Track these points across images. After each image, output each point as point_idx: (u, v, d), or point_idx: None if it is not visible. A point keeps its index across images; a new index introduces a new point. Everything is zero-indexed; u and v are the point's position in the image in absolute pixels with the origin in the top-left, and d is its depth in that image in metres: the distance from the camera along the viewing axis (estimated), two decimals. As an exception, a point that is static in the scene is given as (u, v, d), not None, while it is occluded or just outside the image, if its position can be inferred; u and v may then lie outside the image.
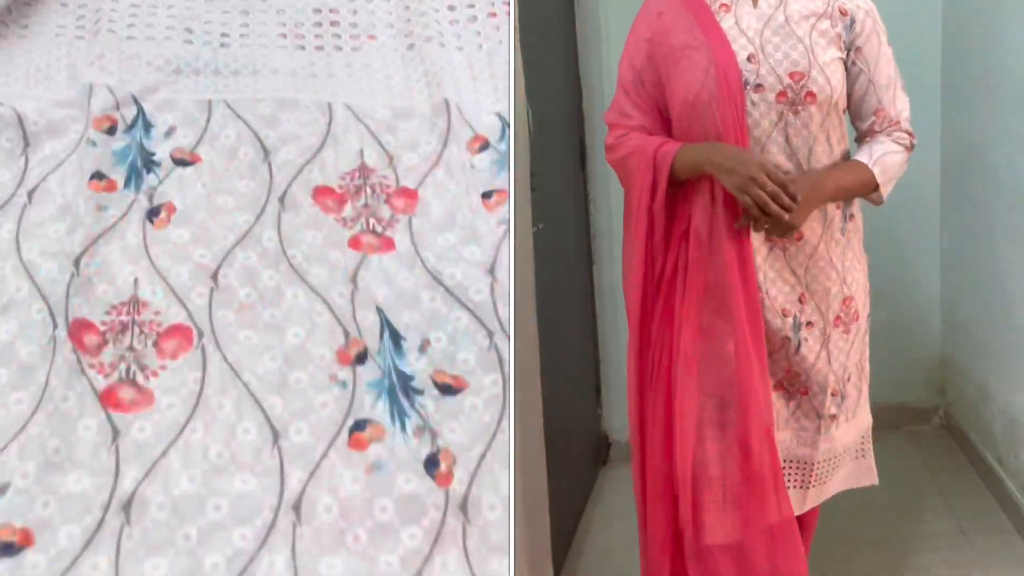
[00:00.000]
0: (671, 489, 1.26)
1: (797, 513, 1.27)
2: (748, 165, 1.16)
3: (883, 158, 1.23)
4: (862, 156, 1.24)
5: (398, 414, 1.05)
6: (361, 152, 1.32)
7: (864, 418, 1.34)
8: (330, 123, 1.36)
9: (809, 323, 1.25)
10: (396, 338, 1.11)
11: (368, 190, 1.28)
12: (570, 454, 1.98)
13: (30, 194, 1.24)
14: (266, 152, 1.31)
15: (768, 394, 1.23)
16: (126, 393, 1.06)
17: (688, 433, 1.22)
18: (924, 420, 2.43)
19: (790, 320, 1.24)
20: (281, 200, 1.25)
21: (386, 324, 1.13)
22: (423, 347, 1.11)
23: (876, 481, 1.36)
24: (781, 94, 1.20)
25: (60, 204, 1.23)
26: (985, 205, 2.14)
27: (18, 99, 1.35)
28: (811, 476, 1.28)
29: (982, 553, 1.85)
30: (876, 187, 1.23)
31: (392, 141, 1.34)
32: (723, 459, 1.23)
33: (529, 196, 1.52)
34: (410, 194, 1.28)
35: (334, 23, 1.52)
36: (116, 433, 1.02)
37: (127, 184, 1.25)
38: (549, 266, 1.73)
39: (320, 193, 1.27)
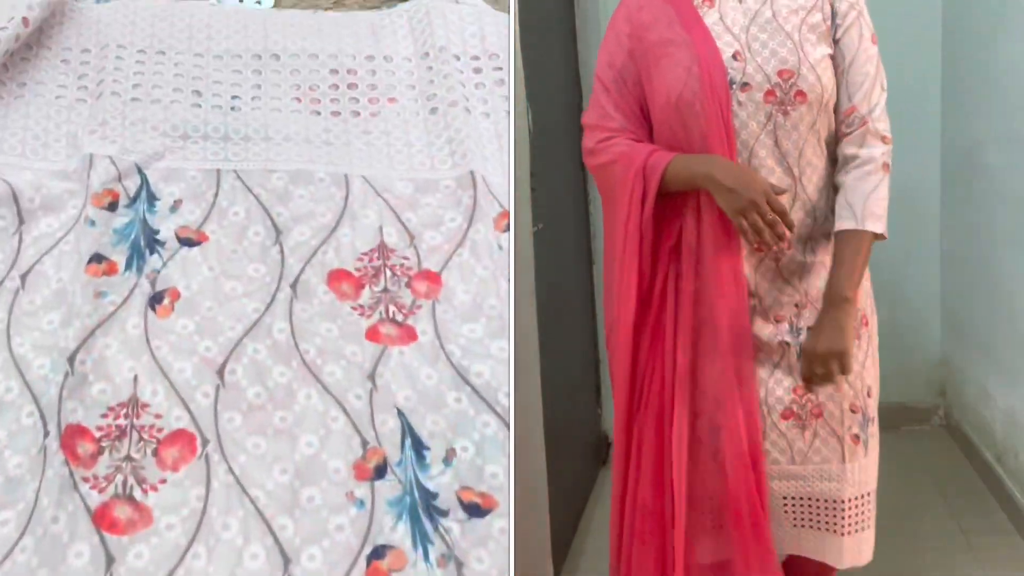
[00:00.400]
0: (661, 528, 1.19)
1: (832, 563, 1.20)
2: (751, 188, 1.10)
3: (868, 206, 1.14)
4: (846, 220, 1.15)
5: (420, 539, 0.96)
6: (380, 230, 1.23)
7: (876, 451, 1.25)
8: (347, 198, 1.26)
9: (811, 328, 1.16)
10: (418, 447, 1.02)
11: (387, 272, 1.19)
12: (570, 454, 1.99)
13: (23, 278, 1.15)
14: (278, 232, 1.22)
15: (752, 415, 1.15)
16: (122, 512, 0.96)
17: (683, 454, 1.16)
18: (924, 420, 2.46)
19: (785, 325, 1.17)
20: (293, 287, 1.16)
21: (408, 431, 1.04)
22: (448, 458, 1.02)
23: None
24: (769, 93, 1.13)
25: (55, 290, 1.14)
26: (985, 206, 2.14)
27: (13, 171, 1.25)
28: (843, 519, 1.18)
29: (982, 553, 1.87)
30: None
31: (413, 218, 1.25)
32: (710, 479, 1.16)
33: (529, 196, 1.48)
34: (433, 278, 1.19)
35: (352, 85, 1.42)
36: (110, 560, 0.93)
37: (128, 266, 1.16)
38: (549, 266, 1.73)
39: (335, 278, 1.18)
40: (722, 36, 1.16)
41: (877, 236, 1.16)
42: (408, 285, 1.18)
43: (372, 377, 1.09)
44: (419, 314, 1.14)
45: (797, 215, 1.16)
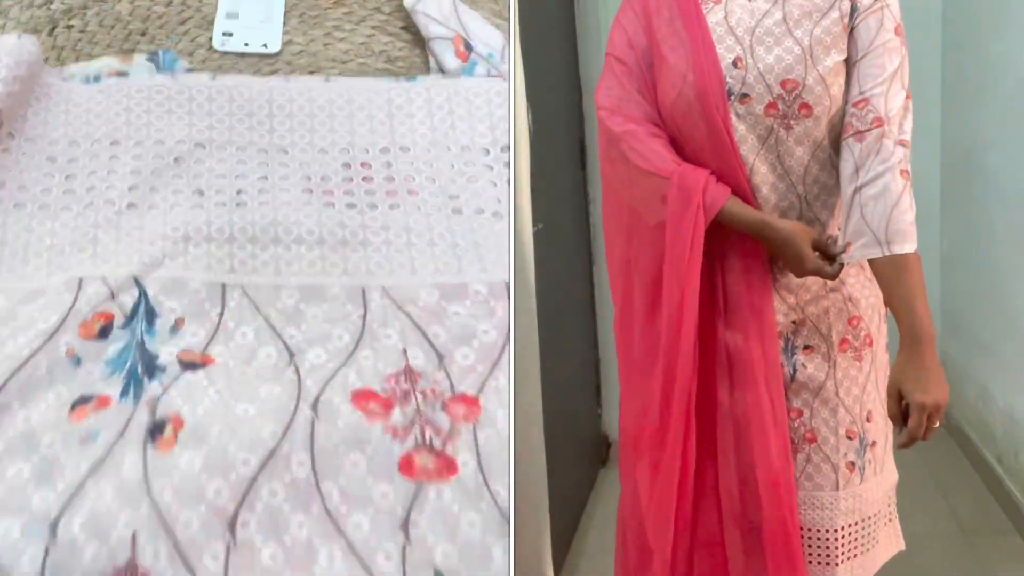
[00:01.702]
0: (724, 561, 1.14)
1: None
2: (805, 260, 1.07)
3: (891, 225, 1.03)
4: (869, 248, 1.05)
5: None
6: (404, 353, 1.08)
7: (891, 472, 1.18)
8: (365, 316, 1.12)
9: (807, 347, 1.09)
10: None
11: (418, 396, 1.05)
12: (570, 454, 2.00)
13: None
14: (291, 354, 1.09)
15: (784, 442, 1.09)
16: None
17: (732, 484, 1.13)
18: None
19: (781, 343, 1.09)
20: (314, 408, 1.02)
21: None
22: None
23: (903, 546, 1.22)
24: (771, 106, 1.04)
25: (22, 432, 0.98)
26: (985, 206, 2.14)
27: None
28: (836, 549, 1.12)
29: (982, 553, 1.89)
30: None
31: (441, 334, 1.10)
32: (745, 509, 1.11)
33: (529, 196, 1.44)
34: (470, 401, 1.05)
35: (367, 179, 1.27)
36: None
37: (124, 394, 1.02)
38: (549, 266, 1.74)
39: (361, 397, 1.04)
40: (724, 39, 1.07)
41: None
42: (443, 408, 1.04)
43: (405, 527, 0.94)
44: (459, 442, 1.01)
45: None
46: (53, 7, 1.43)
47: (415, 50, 1.46)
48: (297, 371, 1.06)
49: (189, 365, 1.07)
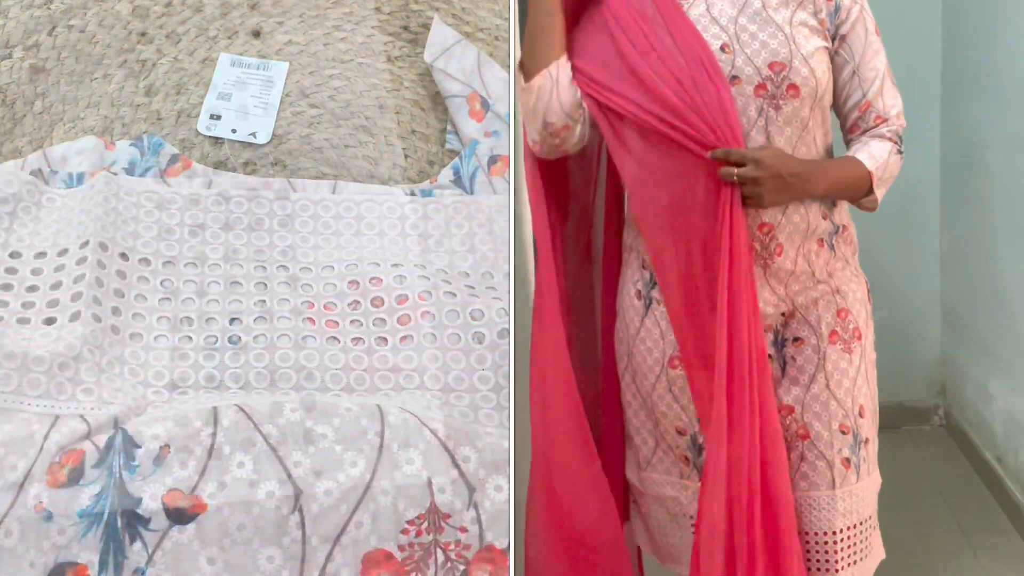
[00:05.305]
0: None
1: None
2: None
3: (877, 154, 1.13)
4: (854, 154, 1.14)
5: None
6: (429, 484, 0.95)
7: (878, 474, 1.20)
8: (382, 434, 0.98)
9: (797, 339, 1.13)
10: None
11: (438, 554, 0.92)
12: None
13: None
14: (296, 492, 0.95)
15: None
16: None
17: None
18: (924, 420, 2.48)
19: (769, 336, 1.13)
20: None
21: None
22: None
23: (884, 555, 1.21)
24: (760, 87, 1.08)
25: None
26: (985, 205, 2.14)
27: None
28: (836, 554, 1.12)
29: (982, 553, 1.88)
30: (871, 189, 1.12)
31: (472, 458, 0.98)
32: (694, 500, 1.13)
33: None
34: (499, 558, 0.94)
35: (376, 301, 1.18)
36: None
37: (103, 567, 0.90)
38: None
39: (372, 563, 0.92)
40: (709, 28, 1.10)
41: (870, 195, 1.13)
42: (466, 574, 0.92)
43: None
44: None
45: (791, 217, 1.11)
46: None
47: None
48: (302, 522, 0.94)
49: (177, 514, 0.94)
